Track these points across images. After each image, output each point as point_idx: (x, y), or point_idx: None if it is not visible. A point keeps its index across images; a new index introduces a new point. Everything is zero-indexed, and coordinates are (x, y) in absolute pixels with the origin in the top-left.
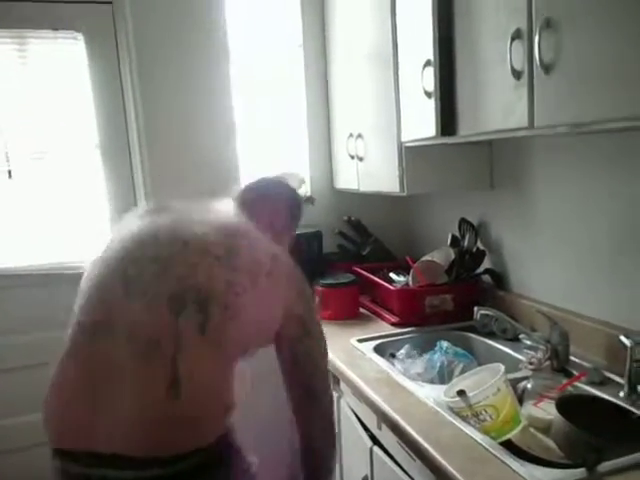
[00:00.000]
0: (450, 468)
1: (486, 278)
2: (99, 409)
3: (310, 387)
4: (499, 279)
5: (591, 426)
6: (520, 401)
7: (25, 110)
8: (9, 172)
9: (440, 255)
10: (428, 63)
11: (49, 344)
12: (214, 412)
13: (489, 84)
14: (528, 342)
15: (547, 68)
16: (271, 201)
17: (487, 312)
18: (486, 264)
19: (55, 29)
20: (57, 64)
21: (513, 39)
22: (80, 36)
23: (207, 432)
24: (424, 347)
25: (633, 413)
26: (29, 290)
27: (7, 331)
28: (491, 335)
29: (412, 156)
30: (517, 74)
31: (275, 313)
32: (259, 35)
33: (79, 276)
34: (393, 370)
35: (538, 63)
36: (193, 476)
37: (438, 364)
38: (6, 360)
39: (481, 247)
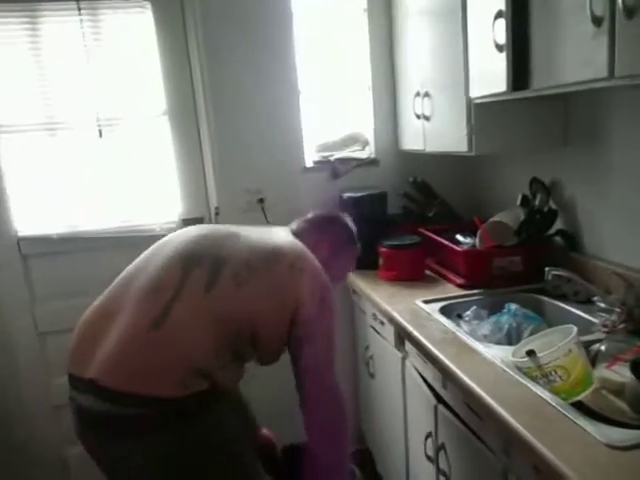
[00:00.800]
0: (518, 425)
1: (557, 240)
2: (99, 340)
3: (306, 395)
4: (571, 240)
5: None
6: (593, 363)
7: (99, 78)
8: (100, 131)
9: (509, 216)
10: (500, 14)
11: None
12: (180, 364)
13: (566, 33)
14: (602, 304)
15: (630, 12)
16: (324, 236)
17: (559, 273)
18: (558, 225)
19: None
20: (127, 33)
21: None
22: (148, 5)
23: (167, 383)
24: (491, 309)
25: None
26: (101, 253)
27: (77, 293)
28: (562, 298)
29: (481, 114)
30: (597, 20)
31: (282, 304)
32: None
33: (149, 239)
34: (459, 331)
35: (621, 7)
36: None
37: (506, 326)
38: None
39: (553, 207)
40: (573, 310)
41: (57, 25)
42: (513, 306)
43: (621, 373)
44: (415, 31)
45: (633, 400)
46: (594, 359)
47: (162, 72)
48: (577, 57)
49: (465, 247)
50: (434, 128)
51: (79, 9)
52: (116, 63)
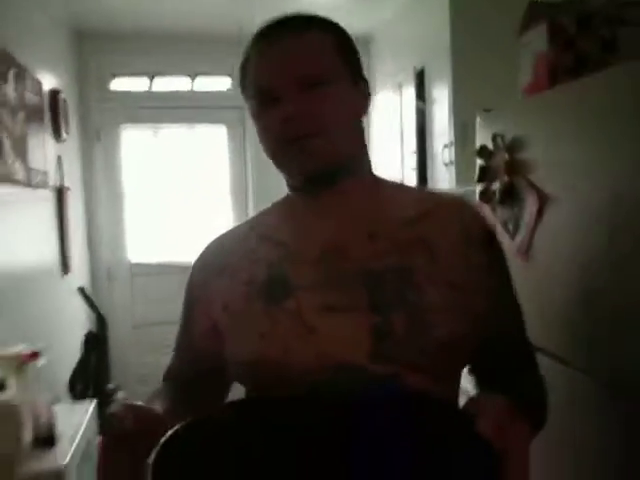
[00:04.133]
0: None
1: None
2: None
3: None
4: None
5: None
6: None
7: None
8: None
9: None
10: None
11: None
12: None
13: None
14: None
15: None
16: None
17: None
18: None
19: (211, 123)
20: (211, 143)
21: None
22: (223, 126)
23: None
24: None
25: None
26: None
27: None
28: None
29: None
30: None
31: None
32: None
33: None
34: None
35: None
36: None
37: None
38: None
39: None
40: None
41: (170, 131)
42: None
43: None
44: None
45: None
46: None
47: (229, 166)
48: None
49: None
50: None
51: (183, 123)
52: (203, 157)
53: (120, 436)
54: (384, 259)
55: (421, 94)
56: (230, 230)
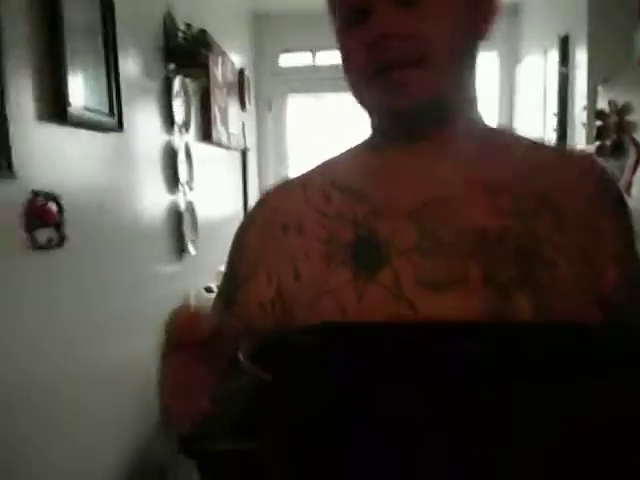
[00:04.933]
0: None
1: None
2: None
3: None
4: None
5: None
6: None
7: None
8: None
9: None
10: None
11: None
12: None
13: None
14: None
15: None
16: None
17: None
18: None
19: None
20: None
21: None
22: None
23: None
24: None
25: None
26: None
27: None
28: None
29: None
30: None
31: None
32: None
33: None
34: None
35: None
36: None
37: None
38: None
39: None
40: None
41: (331, 99)
42: None
43: None
44: None
45: None
46: None
47: None
48: None
49: None
50: None
51: (341, 92)
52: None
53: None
54: (504, 219)
55: (565, 59)
56: (294, 177)
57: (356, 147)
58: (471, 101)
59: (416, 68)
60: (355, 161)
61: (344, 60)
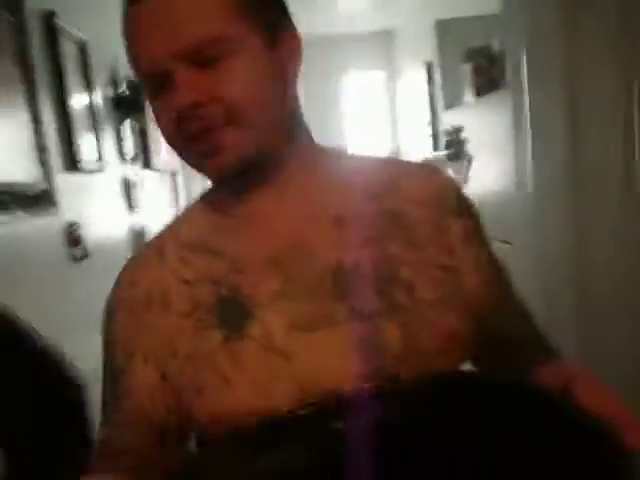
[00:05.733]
0: None
1: None
2: None
3: None
4: None
5: None
6: None
7: None
8: None
9: None
10: None
11: None
12: None
13: None
14: None
15: None
16: None
17: None
18: None
19: None
20: None
21: None
22: None
23: None
24: None
25: None
26: None
27: None
28: None
29: None
30: None
31: None
32: None
33: None
34: None
35: None
36: None
37: None
38: None
39: None
40: None
41: None
42: None
43: None
44: None
45: None
46: None
47: None
48: None
49: None
50: None
51: None
52: None
53: None
54: (357, 250)
55: (430, 81)
56: (144, 248)
57: (197, 203)
58: (299, 134)
59: (233, 127)
60: (202, 219)
61: (159, 127)
